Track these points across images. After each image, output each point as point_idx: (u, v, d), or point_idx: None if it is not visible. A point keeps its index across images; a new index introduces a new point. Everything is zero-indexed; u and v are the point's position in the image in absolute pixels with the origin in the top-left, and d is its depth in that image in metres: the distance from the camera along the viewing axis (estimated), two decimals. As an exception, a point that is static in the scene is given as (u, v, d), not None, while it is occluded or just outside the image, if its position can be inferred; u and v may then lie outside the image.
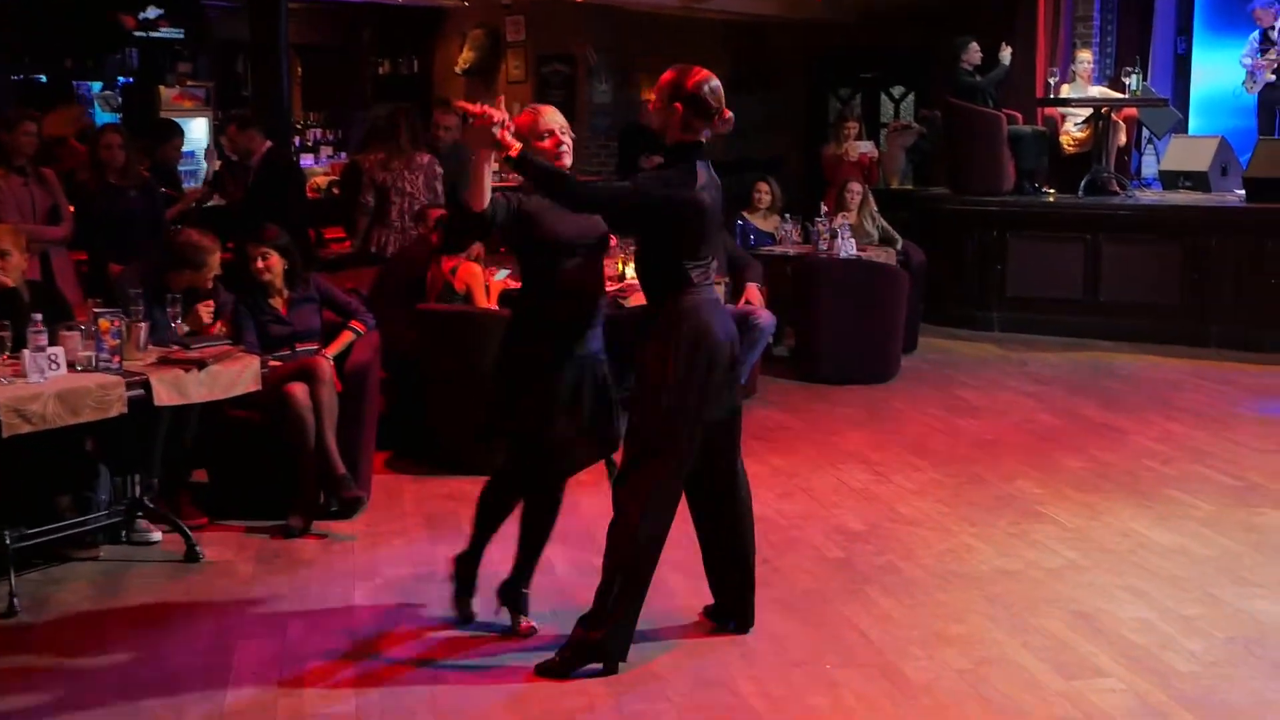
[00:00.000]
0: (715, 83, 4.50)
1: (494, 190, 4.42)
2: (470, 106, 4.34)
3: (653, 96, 4.65)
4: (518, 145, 4.33)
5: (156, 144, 9.64)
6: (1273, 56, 12.18)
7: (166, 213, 8.56)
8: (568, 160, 4.60)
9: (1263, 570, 5.49)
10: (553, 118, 4.64)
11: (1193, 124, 14.00)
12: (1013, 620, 4.96)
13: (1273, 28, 12.21)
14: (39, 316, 5.18)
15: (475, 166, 4.37)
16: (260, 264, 6.35)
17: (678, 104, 4.45)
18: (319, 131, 15.48)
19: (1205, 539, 5.90)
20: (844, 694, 4.33)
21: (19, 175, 7.60)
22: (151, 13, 13.59)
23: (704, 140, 4.52)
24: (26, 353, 5.11)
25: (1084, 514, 6.28)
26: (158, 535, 5.86)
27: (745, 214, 10.29)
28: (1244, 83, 12.51)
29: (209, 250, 6.20)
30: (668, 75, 4.52)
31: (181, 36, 13.96)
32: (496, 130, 4.27)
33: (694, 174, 4.44)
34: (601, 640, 4.47)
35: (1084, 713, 4.19)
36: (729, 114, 4.49)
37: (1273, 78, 12.23)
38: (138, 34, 13.55)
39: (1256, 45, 12.35)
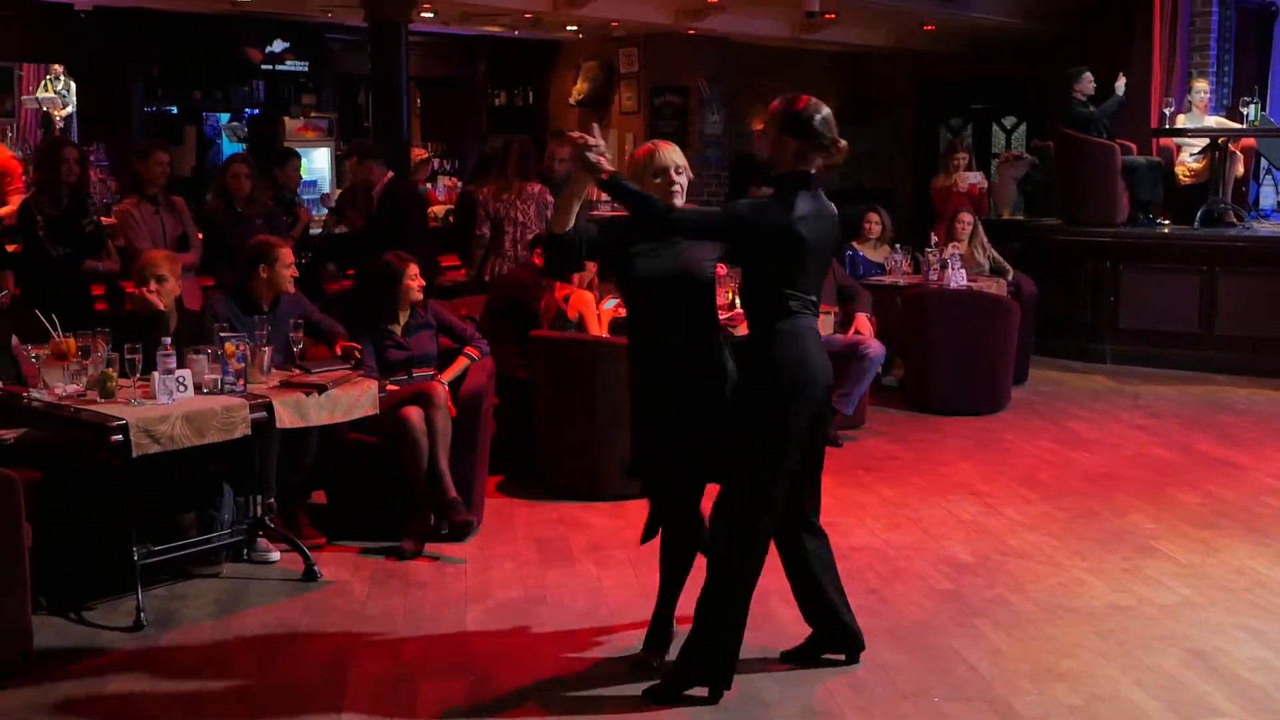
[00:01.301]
0: (826, 111, 4.43)
1: (604, 218, 4.44)
2: (572, 134, 4.38)
3: (761, 125, 4.63)
4: (610, 169, 4.34)
5: (277, 168, 9.87)
6: None
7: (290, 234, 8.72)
8: (678, 200, 4.58)
9: (1386, 611, 5.34)
10: (670, 155, 4.63)
11: (1313, 155, 13.69)
12: (1125, 657, 4.87)
13: None
14: (168, 340, 5.32)
15: (567, 190, 4.41)
16: (417, 284, 6.51)
17: (788, 135, 4.41)
18: (437, 161, 15.70)
19: (1326, 578, 5.76)
20: (953, 727, 4.29)
21: (150, 203, 7.83)
22: (277, 46, 13.91)
23: (814, 171, 4.44)
24: (156, 375, 5.25)
25: (1199, 550, 6.15)
26: (277, 555, 5.97)
27: (855, 244, 10.25)
28: None
29: (278, 245, 6.32)
30: (776, 104, 4.47)
31: (306, 69, 14.26)
32: (591, 155, 4.30)
33: (792, 204, 4.35)
34: (706, 668, 4.45)
35: (1199, 753, 4.10)
36: (843, 144, 4.43)
37: None
38: (264, 67, 13.88)
39: None
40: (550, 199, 8.70)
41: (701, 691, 4.45)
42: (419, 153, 9.65)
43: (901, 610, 5.35)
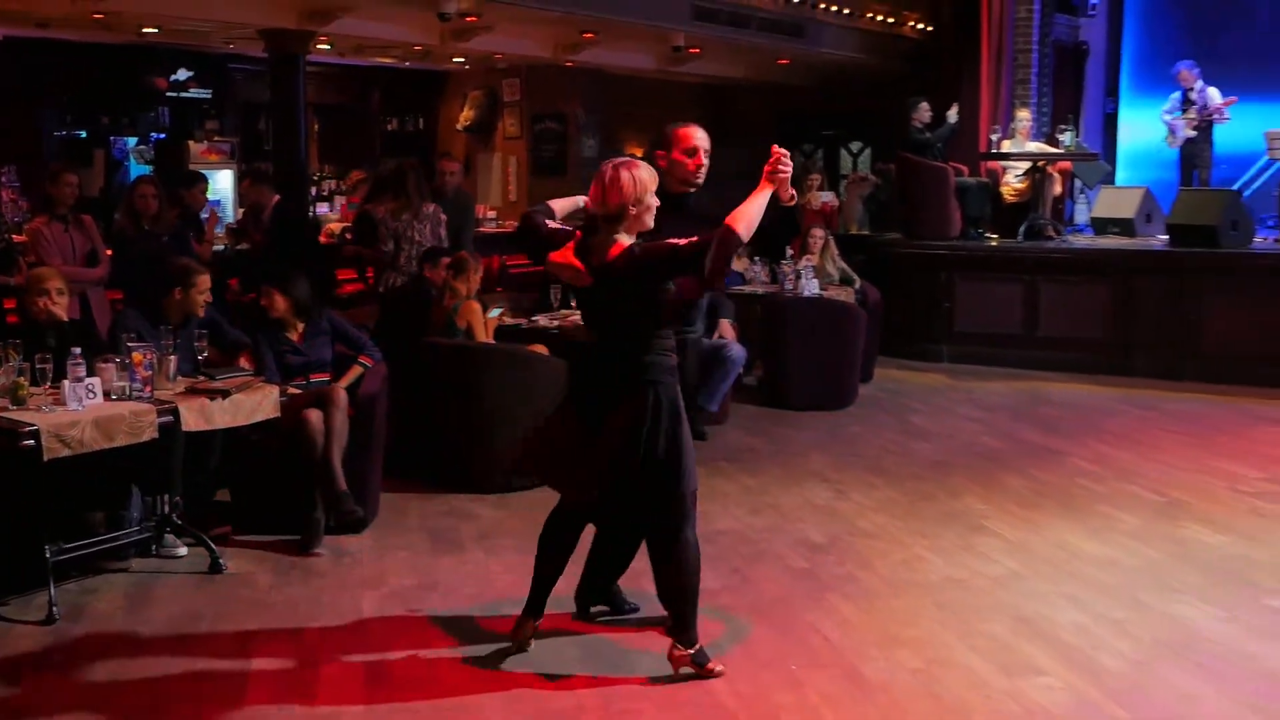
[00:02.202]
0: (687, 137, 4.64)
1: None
2: (777, 149, 4.49)
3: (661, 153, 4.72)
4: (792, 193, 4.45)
5: (184, 190, 9.64)
6: (1192, 115, 12.30)
7: (201, 252, 8.51)
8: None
9: (1185, 578, 5.50)
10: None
11: (1120, 176, 14.14)
12: (960, 625, 4.95)
13: (1192, 89, 12.33)
14: (78, 350, 5.18)
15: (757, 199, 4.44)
16: (263, 301, 6.36)
17: (672, 156, 4.49)
18: (333, 183, 15.50)
19: (1133, 550, 5.91)
20: (808, 693, 4.32)
21: (60, 222, 7.60)
22: (181, 75, 13.61)
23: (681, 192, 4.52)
24: (66, 383, 5.11)
25: (1024, 528, 6.28)
26: (184, 549, 5.81)
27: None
28: (1166, 138, 12.63)
29: (198, 271, 6.15)
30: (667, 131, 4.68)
31: (209, 96, 13.97)
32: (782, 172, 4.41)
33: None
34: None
35: (1025, 709, 4.18)
36: (693, 165, 4.63)
37: (1193, 134, 12.33)
38: (169, 94, 13.56)
39: (1178, 104, 12.46)
40: (444, 218, 8.60)
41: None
42: (358, 174, 9.42)
43: (762, 587, 5.38)
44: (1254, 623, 4.96)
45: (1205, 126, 12.35)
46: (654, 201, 4.30)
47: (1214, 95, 12.27)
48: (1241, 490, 6.95)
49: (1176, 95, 12.55)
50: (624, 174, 4.23)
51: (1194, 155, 12.42)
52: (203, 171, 10.98)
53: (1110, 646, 4.71)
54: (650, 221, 4.32)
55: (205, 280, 6.15)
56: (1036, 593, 5.32)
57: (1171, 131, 12.53)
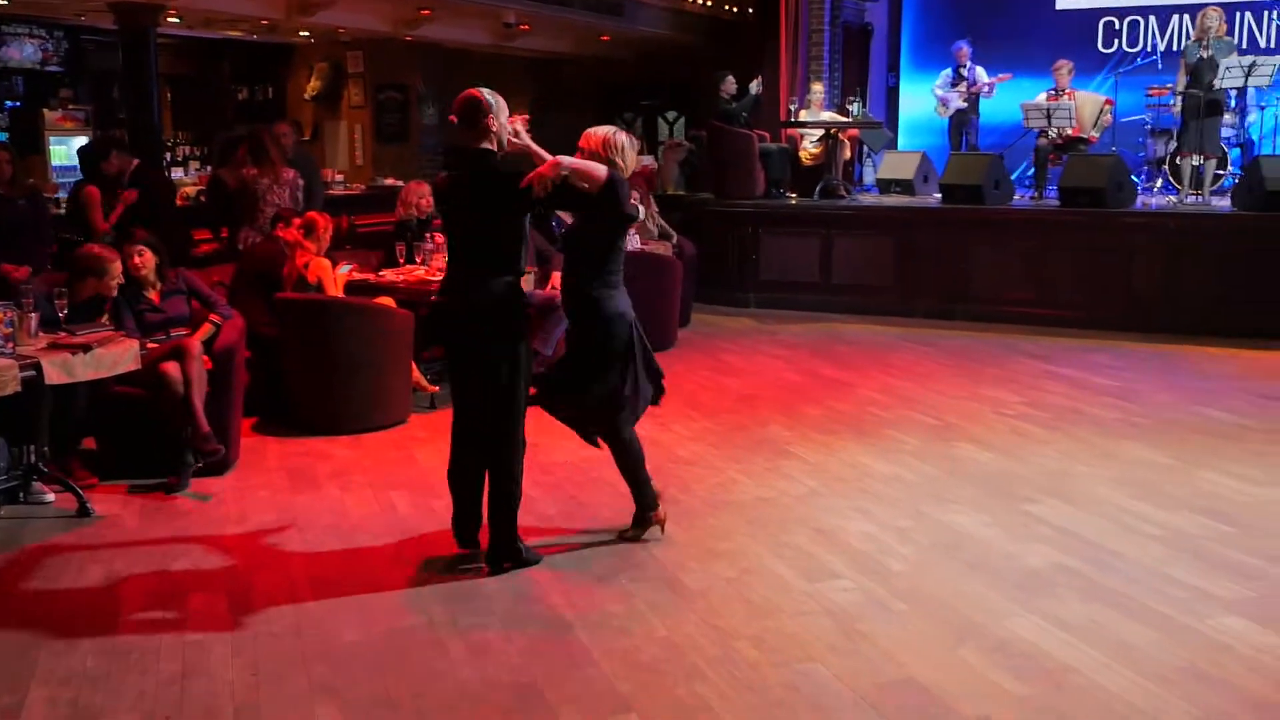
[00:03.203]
0: (470, 96, 4.64)
1: None
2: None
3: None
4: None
5: (100, 160, 8.99)
6: (963, 88, 12.65)
7: (110, 217, 7.99)
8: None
9: (958, 491, 5.72)
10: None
11: (900, 142, 14.51)
12: (769, 538, 5.07)
13: (964, 65, 12.67)
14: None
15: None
16: (136, 260, 6.07)
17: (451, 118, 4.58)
18: (187, 149, 14.86)
19: (914, 468, 6.12)
20: (637, 602, 4.37)
21: (-85, 187, 7.11)
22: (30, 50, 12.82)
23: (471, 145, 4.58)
24: (-73, 341, 4.80)
25: (822, 451, 6.44)
26: (51, 496, 5.55)
27: (560, 214, 10.21)
28: (936, 109, 12.97)
29: (110, 260, 5.88)
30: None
31: (61, 68, 13.21)
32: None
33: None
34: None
35: (824, 608, 4.31)
36: (453, 118, 4.63)
37: (964, 105, 12.69)
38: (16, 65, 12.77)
39: (950, 79, 12.79)
40: (301, 182, 8.34)
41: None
42: (284, 127, 8.78)
43: (595, 511, 5.41)
44: (1014, 527, 5.19)
45: (974, 99, 12.72)
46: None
47: (981, 73, 12.64)
48: (1004, 414, 7.25)
49: (948, 71, 12.86)
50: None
51: (965, 124, 12.78)
52: (60, 140, 10.39)
53: (895, 551, 4.89)
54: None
55: (117, 266, 5.86)
56: (833, 507, 5.47)
57: (943, 103, 12.85)
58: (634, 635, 4.09)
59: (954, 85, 12.75)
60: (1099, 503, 5.52)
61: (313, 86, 15.21)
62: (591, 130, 4.90)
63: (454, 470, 4.77)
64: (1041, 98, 11.64)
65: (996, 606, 4.32)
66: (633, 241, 9.37)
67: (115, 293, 5.90)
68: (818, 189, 12.03)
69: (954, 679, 3.76)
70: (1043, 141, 11.49)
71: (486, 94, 4.62)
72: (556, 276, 8.40)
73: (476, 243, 4.59)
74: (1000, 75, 12.61)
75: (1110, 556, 4.81)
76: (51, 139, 12.57)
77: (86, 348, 5.24)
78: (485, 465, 4.68)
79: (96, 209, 7.95)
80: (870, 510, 5.42)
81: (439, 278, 7.25)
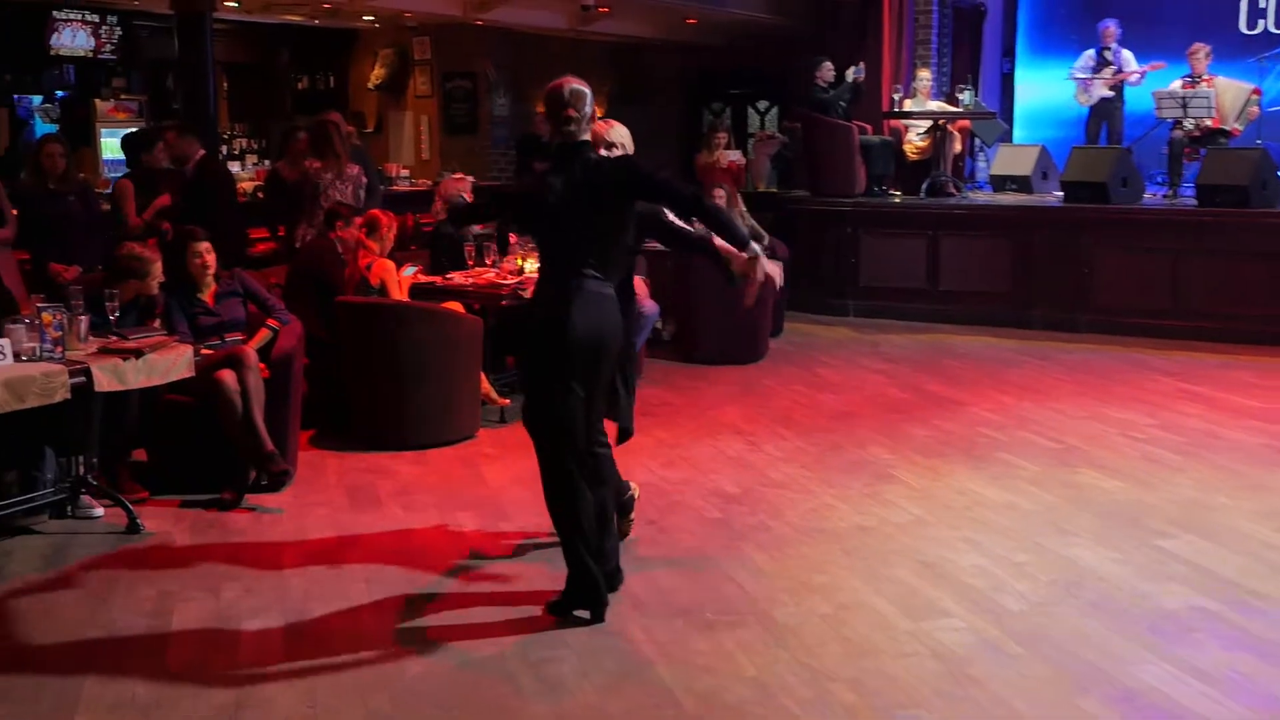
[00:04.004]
0: (569, 88, 4.42)
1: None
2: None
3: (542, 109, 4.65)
4: None
5: (143, 151, 9.28)
6: (1108, 74, 12.35)
7: (144, 215, 8.24)
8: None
9: (1079, 521, 5.63)
10: (618, 133, 4.83)
11: (1017, 134, 14.30)
12: (868, 570, 5.03)
13: (1109, 48, 12.38)
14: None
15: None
16: (202, 260, 6.23)
17: (543, 108, 4.47)
18: (244, 141, 15.18)
19: (1031, 495, 6.03)
20: (723, 638, 4.36)
21: (-37, 182, 7.36)
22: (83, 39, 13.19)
23: (562, 140, 4.42)
24: (-26, 345, 4.97)
25: (928, 476, 6.38)
26: (100, 510, 5.70)
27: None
28: (1076, 95, 12.64)
29: (150, 260, 6.04)
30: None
31: (114, 56, 13.57)
32: None
33: (540, 173, 4.44)
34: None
35: (929, 649, 4.26)
36: (572, 112, 4.38)
37: (1109, 93, 12.40)
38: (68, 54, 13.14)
39: (1092, 62, 12.47)
40: (365, 180, 8.44)
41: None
42: (335, 116, 8.84)
43: (677, 538, 5.42)
44: (1144, 563, 5.09)
45: (1119, 87, 12.41)
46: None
47: (1129, 58, 12.30)
48: (1133, 437, 7.12)
49: (1090, 53, 12.45)
50: None
51: (1108, 115, 12.44)
52: (111, 132, 10.67)
53: (1010, 588, 4.82)
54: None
55: (158, 267, 6.05)
56: (940, 538, 5.42)
57: (1084, 89, 12.52)
58: (720, 674, 4.08)
59: (1097, 70, 12.43)
60: (1241, 538, 5.39)
61: (376, 75, 15.45)
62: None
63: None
64: (1176, 85, 11.41)
65: (1124, 652, 4.23)
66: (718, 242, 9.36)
67: (157, 292, 6.04)
68: (924, 186, 11.94)
69: (1076, 732, 3.70)
70: (1177, 134, 11.26)
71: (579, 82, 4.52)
72: (638, 280, 8.45)
73: (584, 248, 4.44)
74: (1153, 63, 12.24)
75: (1254, 598, 4.70)
76: (103, 131, 12.90)
77: (139, 353, 5.37)
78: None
79: (129, 202, 8.16)
80: (982, 542, 5.36)
81: (511, 281, 7.35)
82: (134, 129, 13.12)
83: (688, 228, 5.17)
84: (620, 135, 4.86)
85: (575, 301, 4.35)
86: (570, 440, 4.42)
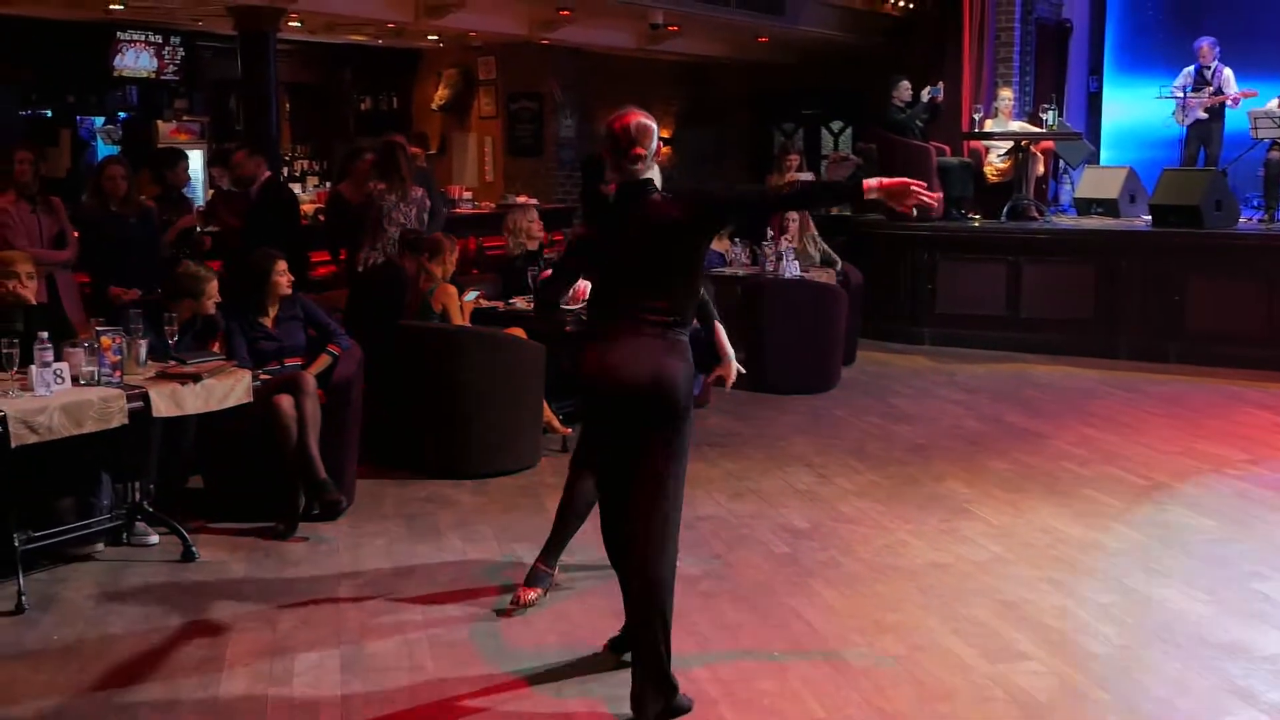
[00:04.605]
0: (638, 121, 4.13)
1: None
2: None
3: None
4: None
5: (165, 169, 9.56)
6: (1205, 94, 12.20)
7: (165, 237, 8.46)
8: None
9: (1168, 561, 5.54)
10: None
11: (1104, 156, 14.18)
12: (944, 609, 4.98)
13: (1209, 67, 12.23)
14: (45, 334, 5.14)
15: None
16: (285, 279, 6.39)
17: (603, 146, 4.20)
18: (306, 163, 15.43)
19: (1118, 534, 5.95)
20: (790, 678, 4.33)
21: (28, 203, 7.53)
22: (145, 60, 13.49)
23: (642, 178, 4.13)
24: (34, 368, 5.07)
25: (1008, 512, 6.31)
26: (155, 538, 5.80)
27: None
28: (1173, 114, 12.50)
29: (206, 279, 6.18)
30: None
31: (177, 77, 13.87)
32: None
33: (598, 216, 4.22)
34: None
35: (1009, 694, 4.20)
36: (640, 150, 4.10)
37: (1204, 115, 12.26)
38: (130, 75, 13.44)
39: (1191, 79, 12.34)
40: (429, 203, 8.52)
41: None
42: (399, 139, 8.93)
43: (744, 573, 5.40)
44: (1237, 606, 4.99)
45: (1217, 109, 12.25)
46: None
47: (1229, 78, 12.10)
48: (1226, 473, 7.00)
49: (1190, 70, 12.33)
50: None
51: (1205, 137, 12.30)
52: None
53: (1094, 631, 4.74)
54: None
55: (214, 286, 6.19)
56: (1020, 577, 5.35)
57: (1181, 109, 12.37)
58: (787, 716, 4.06)
59: (1195, 88, 12.27)
60: (1342, 582, 5.27)
61: (440, 95, 15.64)
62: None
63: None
64: (1274, 104, 11.23)
65: (1215, 700, 4.15)
66: (792, 268, 9.38)
67: (214, 312, 6.16)
68: (1005, 209, 11.84)
69: (1164, 784, 3.62)
70: (1275, 154, 11.07)
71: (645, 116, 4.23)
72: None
73: (648, 291, 4.13)
74: (1247, 90, 12.06)
75: (1356, 646, 4.59)
76: (167, 153, 13.16)
77: (197, 378, 5.46)
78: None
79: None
80: (1064, 582, 5.28)
81: (574, 306, 7.39)
82: (200, 153, 13.45)
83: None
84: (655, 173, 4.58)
85: (646, 350, 4.07)
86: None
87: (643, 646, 4.04)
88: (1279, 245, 10.21)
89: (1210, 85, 12.19)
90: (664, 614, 4.03)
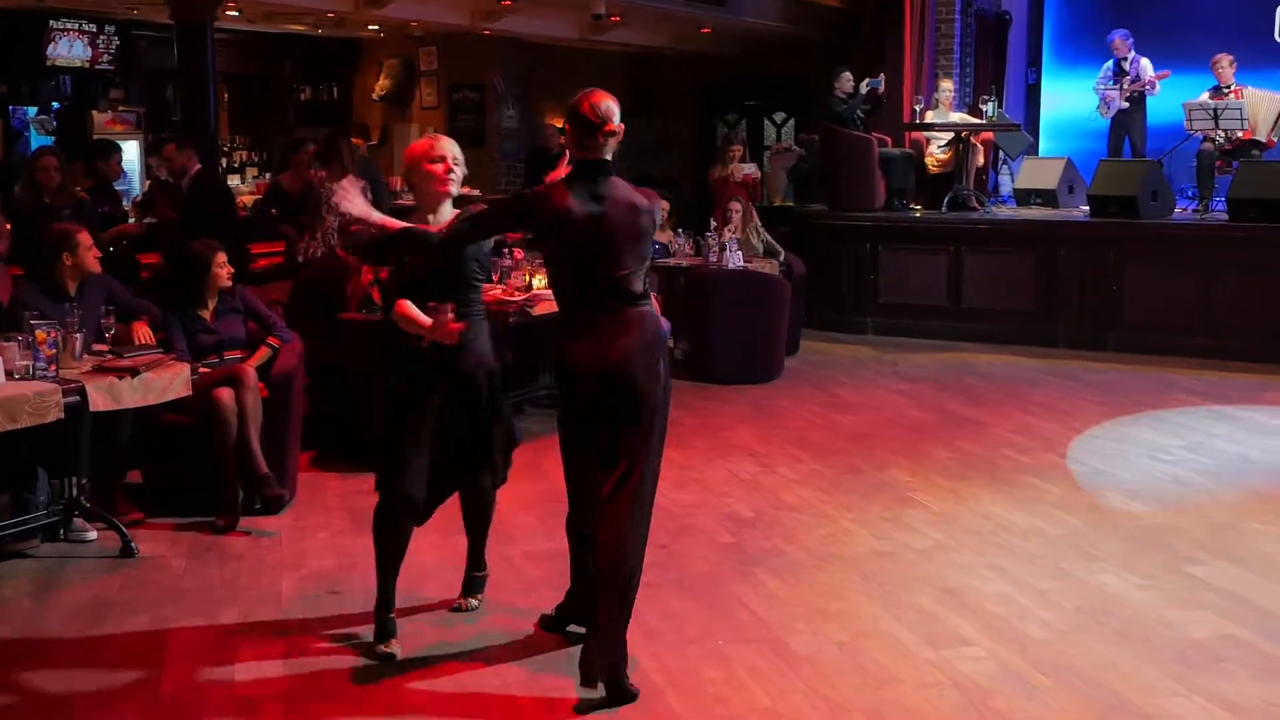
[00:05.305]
0: (606, 103, 4.23)
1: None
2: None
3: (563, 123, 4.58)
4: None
5: (98, 161, 9.44)
6: (1125, 85, 12.41)
7: (103, 234, 8.34)
8: (454, 189, 4.58)
9: (1106, 547, 5.61)
10: (448, 147, 4.61)
11: (1042, 147, 14.32)
12: (886, 596, 5.02)
13: (1125, 58, 12.44)
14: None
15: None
16: (225, 271, 6.32)
17: (567, 124, 4.31)
18: (245, 154, 15.27)
19: (1057, 520, 6.02)
20: (735, 667, 4.35)
21: (-45, 196, 7.41)
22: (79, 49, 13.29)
23: (605, 157, 4.23)
24: (-34, 363, 4.99)
25: (950, 499, 6.37)
26: (94, 533, 5.72)
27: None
28: (1097, 108, 12.72)
29: (74, 232, 6.03)
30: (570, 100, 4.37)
31: (112, 66, 13.67)
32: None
33: (566, 189, 4.17)
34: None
35: (951, 679, 4.25)
36: (613, 126, 4.21)
37: (1125, 105, 12.46)
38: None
39: (1110, 74, 12.55)
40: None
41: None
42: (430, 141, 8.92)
43: (688, 563, 5.41)
44: (1173, 590, 5.07)
45: (1138, 98, 12.46)
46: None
47: (1146, 67, 12.37)
48: (1162, 460, 7.10)
49: (1109, 65, 12.58)
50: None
51: (1127, 126, 12.53)
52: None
53: (1034, 616, 4.80)
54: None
55: (86, 237, 6.05)
56: (962, 564, 5.40)
57: (1104, 102, 12.60)
58: (733, 704, 4.07)
59: (1116, 81, 12.48)
60: (1273, 564, 5.37)
61: (381, 86, 15.53)
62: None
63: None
64: (1205, 96, 11.41)
65: (1152, 683, 4.21)
66: (735, 259, 9.40)
67: (97, 267, 6.06)
68: (946, 200, 11.94)
69: (1102, 766, 3.68)
70: (1207, 146, 11.26)
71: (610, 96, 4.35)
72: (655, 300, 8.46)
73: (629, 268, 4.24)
74: (1161, 72, 12.35)
75: (1288, 628, 4.68)
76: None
77: (134, 371, 5.40)
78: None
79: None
80: (1005, 568, 5.34)
81: (518, 298, 7.36)
82: (135, 143, 13.27)
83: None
84: (454, 151, 4.71)
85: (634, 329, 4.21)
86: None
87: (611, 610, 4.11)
88: (1213, 235, 10.38)
89: (1128, 75, 12.41)
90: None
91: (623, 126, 4.27)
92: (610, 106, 4.23)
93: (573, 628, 4.55)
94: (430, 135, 4.68)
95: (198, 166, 8.78)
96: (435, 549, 5.55)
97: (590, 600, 4.23)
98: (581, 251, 4.17)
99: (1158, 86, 12.34)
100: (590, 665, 4.10)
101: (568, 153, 4.39)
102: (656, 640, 4.57)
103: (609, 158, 4.26)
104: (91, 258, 6.02)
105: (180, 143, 9.22)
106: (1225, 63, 11.41)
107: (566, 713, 4.01)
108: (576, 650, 4.24)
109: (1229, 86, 11.37)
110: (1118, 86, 12.45)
